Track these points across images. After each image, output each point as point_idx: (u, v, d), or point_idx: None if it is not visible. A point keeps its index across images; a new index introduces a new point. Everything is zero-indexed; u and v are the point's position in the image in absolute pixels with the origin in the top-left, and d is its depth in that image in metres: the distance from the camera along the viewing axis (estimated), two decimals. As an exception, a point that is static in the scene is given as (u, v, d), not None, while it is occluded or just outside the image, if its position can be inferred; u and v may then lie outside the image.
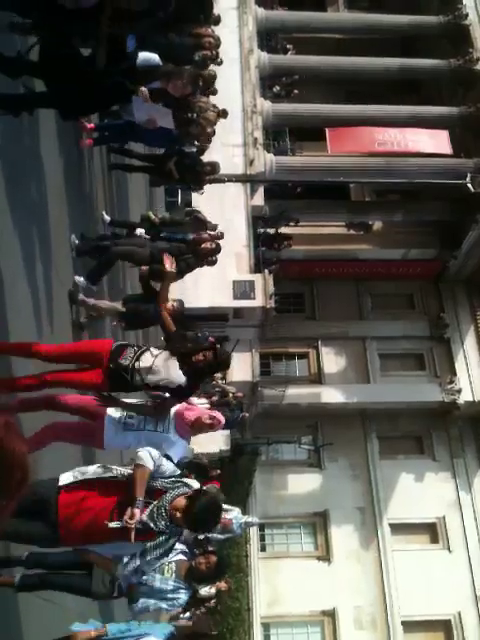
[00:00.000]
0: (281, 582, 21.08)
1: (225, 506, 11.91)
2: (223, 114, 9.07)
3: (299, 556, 22.06)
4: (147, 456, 4.09)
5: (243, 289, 18.79)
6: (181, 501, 4.00)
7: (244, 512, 14.51)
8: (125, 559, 4.79)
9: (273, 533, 22.49)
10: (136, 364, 4.85)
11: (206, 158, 10.22)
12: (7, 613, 5.00)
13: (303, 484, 22.42)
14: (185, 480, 4.31)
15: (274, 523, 22.13)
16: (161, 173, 9.80)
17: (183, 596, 5.38)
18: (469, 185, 19.33)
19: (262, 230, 20.56)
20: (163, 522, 4.01)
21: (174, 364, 4.94)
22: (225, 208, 18.94)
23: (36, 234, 6.15)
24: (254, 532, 20.72)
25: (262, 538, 22.16)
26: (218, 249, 8.99)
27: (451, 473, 22.99)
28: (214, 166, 10.00)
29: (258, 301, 18.90)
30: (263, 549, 22.09)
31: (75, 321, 7.53)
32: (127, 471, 4.12)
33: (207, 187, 12.02)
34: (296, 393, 22.20)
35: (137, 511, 3.84)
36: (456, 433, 23.20)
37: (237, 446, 19.21)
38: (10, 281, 5.24)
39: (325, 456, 22.64)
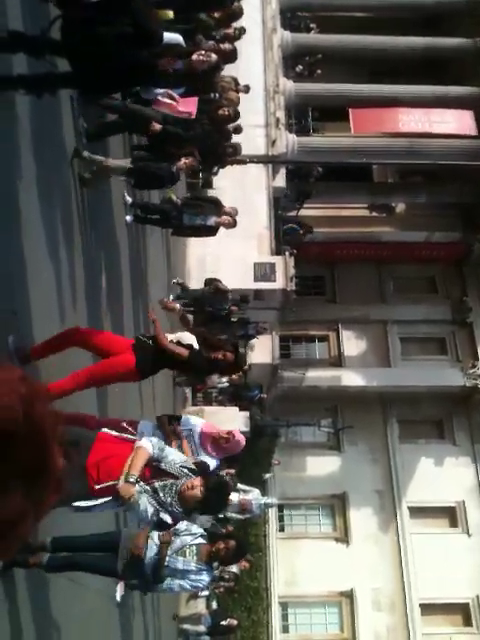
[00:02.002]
0: (299, 562, 21.23)
1: (244, 487, 12.01)
2: (245, 89, 8.98)
3: (317, 537, 22.18)
4: (147, 442, 4.50)
5: (264, 271, 18.72)
6: (194, 488, 4.29)
7: (263, 493, 14.61)
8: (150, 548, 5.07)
9: (291, 514, 22.62)
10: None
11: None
12: (34, 592, 5.09)
13: (322, 466, 22.48)
14: (193, 467, 4.61)
15: (293, 504, 22.25)
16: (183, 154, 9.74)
17: (206, 577, 5.47)
18: (494, 166, 19.01)
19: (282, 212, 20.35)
20: (170, 499, 4.34)
21: (189, 336, 5.49)
22: (246, 189, 18.84)
23: (58, 214, 6.17)
24: (273, 512, 20.85)
25: (281, 519, 22.30)
26: (235, 116, 8.53)
27: (471, 458, 22.88)
28: (236, 147, 9.93)
29: (279, 283, 18.83)
30: (282, 529, 22.24)
31: (80, 175, 6.97)
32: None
33: (229, 168, 11.95)
34: (316, 376, 22.19)
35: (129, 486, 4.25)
36: (477, 418, 23.04)
37: (257, 428, 19.25)
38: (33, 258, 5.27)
39: (345, 439, 22.65)
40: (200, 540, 5.49)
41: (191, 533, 5.50)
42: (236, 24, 10.14)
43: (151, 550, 5.34)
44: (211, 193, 17.79)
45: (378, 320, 23.56)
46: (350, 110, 20.19)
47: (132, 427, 5.21)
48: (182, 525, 5.58)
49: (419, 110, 20.27)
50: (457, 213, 22.86)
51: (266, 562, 20.48)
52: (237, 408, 15.65)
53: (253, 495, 11.66)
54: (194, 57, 5.90)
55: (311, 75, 22.57)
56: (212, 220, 9.46)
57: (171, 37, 5.10)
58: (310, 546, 21.63)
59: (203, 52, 5.92)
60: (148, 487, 4.41)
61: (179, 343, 5.54)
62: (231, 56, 8.32)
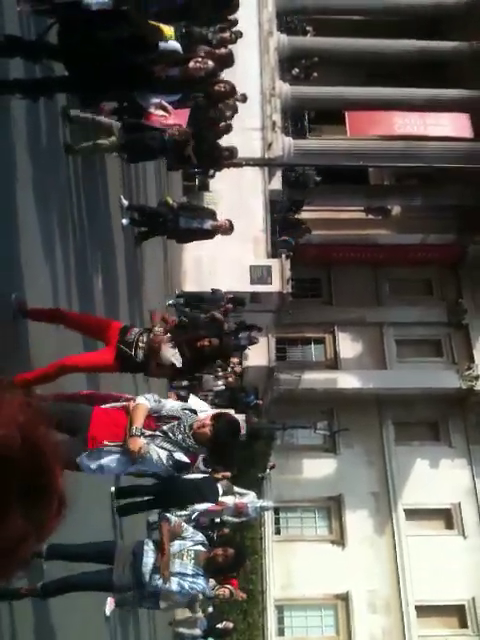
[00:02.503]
0: (295, 565, 21.22)
1: (240, 490, 12.00)
2: (243, 99, 8.99)
3: (313, 540, 22.18)
4: (142, 398, 4.55)
5: (260, 274, 18.74)
6: (204, 426, 4.38)
7: (259, 494, 14.60)
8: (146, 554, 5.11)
9: (288, 516, 22.62)
10: (139, 339, 5.11)
11: (224, 141, 10.16)
12: (29, 599, 5.06)
13: (318, 469, 22.49)
14: (193, 408, 4.72)
15: (289, 507, 22.25)
16: (179, 158, 9.75)
17: (202, 582, 5.48)
18: (490, 169, 19.08)
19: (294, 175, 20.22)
20: (181, 436, 4.39)
21: (166, 347, 5.18)
22: (243, 192, 18.86)
23: (54, 216, 6.17)
24: (269, 515, 20.84)
25: (277, 521, 22.30)
26: (232, 91, 8.40)
27: (467, 460, 22.93)
28: (232, 151, 9.94)
29: (275, 286, 18.85)
30: (278, 532, 22.23)
31: (66, 143, 6.76)
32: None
33: (225, 171, 11.97)
34: (312, 378, 22.20)
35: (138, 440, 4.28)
36: (473, 420, 23.09)
37: (253, 431, 19.25)
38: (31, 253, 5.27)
39: (340, 441, 22.66)
40: (199, 547, 5.51)
41: (192, 539, 5.53)
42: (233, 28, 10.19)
43: (147, 555, 5.35)
44: (208, 195, 17.84)
45: (374, 322, 23.60)
46: (346, 113, 20.26)
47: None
48: (188, 530, 5.62)
49: (415, 113, 20.34)
50: (452, 215, 22.92)
51: (262, 565, 20.47)
52: (233, 411, 15.63)
53: (249, 498, 11.64)
54: (191, 64, 5.91)
55: (307, 78, 22.60)
56: (208, 223, 9.46)
57: (168, 45, 5.12)
58: (306, 549, 21.63)
59: (200, 59, 5.93)
60: (157, 432, 4.42)
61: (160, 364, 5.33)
62: (228, 61, 8.34)
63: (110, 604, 6.86)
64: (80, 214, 7.15)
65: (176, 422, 4.47)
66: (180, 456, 4.37)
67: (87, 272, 7.44)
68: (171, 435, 4.38)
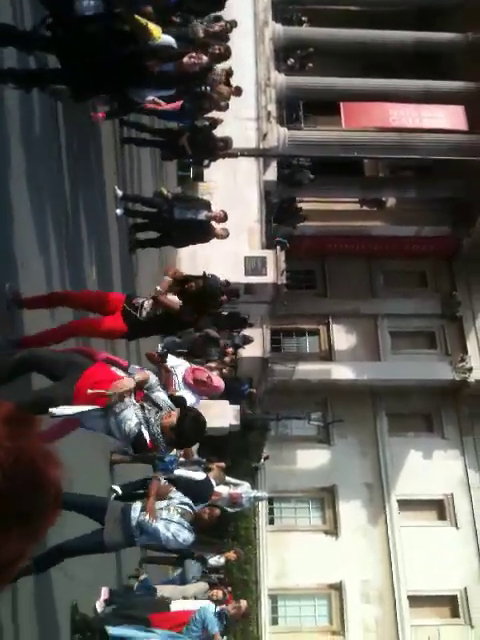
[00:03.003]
0: (289, 555, 21.33)
1: (234, 480, 12.05)
2: (237, 92, 8.95)
3: (307, 530, 22.29)
4: (149, 372, 4.75)
5: (255, 265, 18.71)
6: (171, 416, 4.42)
7: (253, 485, 14.65)
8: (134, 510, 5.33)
9: (281, 507, 22.72)
10: (143, 303, 5.72)
11: (219, 132, 10.13)
12: (26, 587, 5.09)
13: (312, 459, 22.57)
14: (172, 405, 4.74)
15: (283, 497, 22.34)
16: (174, 148, 9.73)
17: (187, 534, 5.60)
18: (485, 162, 19.07)
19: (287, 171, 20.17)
20: (153, 419, 4.42)
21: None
22: (238, 183, 18.82)
23: (48, 207, 6.15)
24: (263, 506, 20.92)
25: (271, 511, 22.39)
26: (227, 52, 8.31)
27: (460, 451, 23.05)
28: (227, 141, 9.91)
29: (269, 277, 18.83)
30: (271, 522, 22.33)
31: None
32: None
33: (220, 162, 11.94)
34: (306, 369, 22.25)
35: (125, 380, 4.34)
36: (466, 412, 23.19)
37: (247, 421, 19.30)
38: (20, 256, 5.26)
39: (334, 432, 22.75)
40: (186, 507, 5.66)
41: (179, 499, 5.66)
42: (227, 17, 10.14)
43: (135, 511, 5.54)
44: (202, 186, 17.79)
45: (368, 314, 23.64)
46: (341, 104, 20.20)
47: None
48: (176, 494, 5.74)
49: (410, 105, 20.30)
50: (447, 208, 22.92)
51: (256, 555, 20.56)
52: (227, 402, 15.66)
53: (243, 488, 11.69)
54: (185, 59, 5.87)
55: (302, 68, 22.52)
56: (203, 214, 9.44)
57: (163, 39, 5.10)
58: (300, 539, 21.74)
59: (194, 54, 5.90)
60: (137, 402, 4.46)
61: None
62: (225, 55, 8.28)
63: (102, 598, 6.83)
64: (74, 205, 7.14)
65: (155, 409, 4.50)
66: (145, 432, 4.39)
67: (81, 263, 7.43)
68: (146, 412, 4.41)
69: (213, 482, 8.73)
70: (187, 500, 5.90)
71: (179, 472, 7.81)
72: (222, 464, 11.07)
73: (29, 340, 5.08)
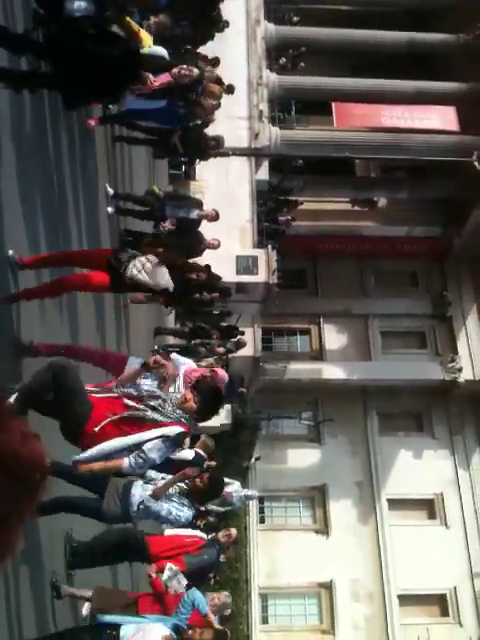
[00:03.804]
0: (279, 554, 21.36)
1: (226, 480, 12.07)
2: (229, 90, 8.94)
3: (297, 529, 22.33)
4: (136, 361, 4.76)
5: (246, 264, 18.73)
6: (186, 394, 4.46)
7: (244, 484, 14.66)
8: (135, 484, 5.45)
9: (272, 506, 22.74)
10: (130, 263, 5.53)
11: (211, 130, 10.11)
12: (17, 580, 5.07)
13: (303, 459, 22.61)
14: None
15: (273, 496, 22.36)
16: (166, 147, 9.70)
17: (188, 512, 5.73)
18: (476, 163, 19.16)
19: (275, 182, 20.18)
20: (170, 408, 4.43)
21: (162, 271, 5.55)
22: (229, 182, 18.82)
23: (38, 206, 6.13)
24: (253, 505, 20.94)
25: (261, 510, 22.41)
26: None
27: (450, 451, 23.15)
28: (219, 140, 9.89)
29: (261, 276, 18.86)
30: (262, 521, 22.35)
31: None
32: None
33: (212, 161, 11.93)
34: (297, 369, 22.27)
35: None
36: (456, 411, 23.30)
37: (238, 420, 19.32)
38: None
39: (325, 431, 22.79)
40: (182, 485, 5.76)
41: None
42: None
43: (136, 488, 5.63)
44: (194, 185, 17.76)
45: (359, 314, 23.69)
46: (333, 104, 20.23)
47: (119, 365, 5.45)
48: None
49: (402, 105, 20.36)
50: (438, 208, 23.01)
51: (246, 553, 20.58)
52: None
53: (234, 487, 11.70)
54: (175, 71, 5.86)
55: (294, 68, 22.51)
56: (195, 213, 9.43)
57: (154, 50, 5.08)
58: (290, 538, 21.77)
59: (185, 66, 5.88)
60: (145, 407, 4.46)
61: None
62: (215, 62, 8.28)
63: (86, 609, 6.77)
64: (65, 203, 7.11)
65: (159, 400, 4.50)
66: (174, 430, 4.38)
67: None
68: (161, 409, 4.41)
69: (203, 454, 8.77)
70: (182, 484, 5.97)
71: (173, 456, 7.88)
72: (212, 463, 11.07)
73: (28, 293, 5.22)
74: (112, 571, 7.65)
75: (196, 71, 6.14)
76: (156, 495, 5.58)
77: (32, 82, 4.89)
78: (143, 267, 5.53)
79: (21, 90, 4.79)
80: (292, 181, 20.28)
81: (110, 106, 8.49)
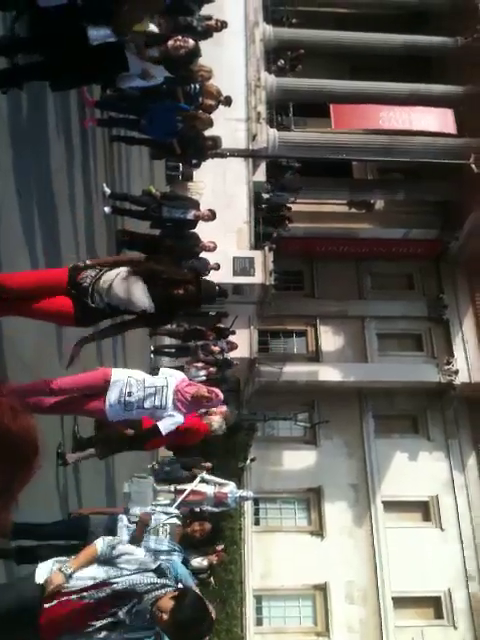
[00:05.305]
0: (274, 555, 21.34)
1: (220, 480, 12.05)
2: (227, 102, 8.91)
3: (292, 530, 22.30)
4: (100, 542, 3.64)
5: (243, 265, 18.74)
6: (167, 602, 3.32)
7: (239, 486, 14.63)
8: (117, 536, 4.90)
9: (267, 507, 22.72)
10: (96, 284, 4.43)
11: (208, 132, 10.11)
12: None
13: (298, 460, 22.60)
14: (164, 581, 3.52)
15: (268, 498, 22.34)
16: (163, 147, 9.71)
17: (176, 558, 5.41)
18: (473, 165, 19.21)
19: (266, 196, 20.15)
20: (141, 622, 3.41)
21: (136, 284, 4.45)
22: (227, 183, 18.83)
23: (35, 204, 6.12)
24: (248, 506, 20.92)
25: (256, 512, 22.38)
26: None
27: (445, 453, 23.17)
28: (216, 141, 9.91)
29: (258, 278, 18.87)
30: (257, 523, 22.32)
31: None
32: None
33: (209, 162, 11.93)
34: (293, 370, 22.27)
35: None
36: (451, 414, 23.32)
37: (233, 421, 19.29)
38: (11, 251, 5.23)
39: (321, 433, 22.79)
40: (174, 520, 5.47)
41: (166, 512, 5.49)
42: (219, 16, 10.13)
43: (122, 533, 5.27)
44: (191, 186, 17.76)
45: (356, 316, 23.71)
46: (331, 106, 20.27)
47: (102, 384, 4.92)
48: (160, 502, 5.62)
49: (400, 108, 20.40)
50: (435, 211, 23.06)
51: (241, 555, 20.54)
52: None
53: (229, 488, 11.68)
54: (170, 43, 5.80)
55: (292, 70, 22.55)
56: (191, 213, 9.45)
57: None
58: (285, 539, 21.75)
59: (180, 37, 5.81)
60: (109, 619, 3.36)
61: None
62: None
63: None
64: (62, 202, 7.11)
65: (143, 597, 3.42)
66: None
67: (68, 261, 7.39)
68: (127, 621, 3.36)
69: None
70: (171, 510, 5.66)
71: None
72: (208, 465, 11.07)
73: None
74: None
75: (191, 42, 6.07)
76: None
77: (18, 78, 4.82)
78: (112, 283, 4.43)
79: (8, 90, 4.75)
80: (282, 197, 20.30)
81: (107, 90, 8.42)
